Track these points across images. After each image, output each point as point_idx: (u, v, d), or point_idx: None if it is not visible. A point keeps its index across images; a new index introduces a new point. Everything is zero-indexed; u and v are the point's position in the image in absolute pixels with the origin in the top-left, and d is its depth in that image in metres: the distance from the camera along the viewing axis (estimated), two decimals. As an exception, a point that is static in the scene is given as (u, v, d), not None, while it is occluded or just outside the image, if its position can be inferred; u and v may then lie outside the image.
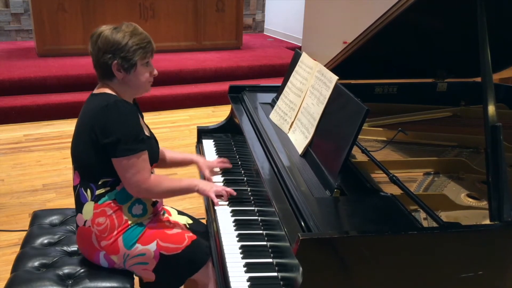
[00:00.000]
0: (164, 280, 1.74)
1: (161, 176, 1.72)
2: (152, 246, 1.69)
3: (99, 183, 1.66)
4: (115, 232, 1.67)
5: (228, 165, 2.02)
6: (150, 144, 1.73)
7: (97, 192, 1.66)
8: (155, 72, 1.73)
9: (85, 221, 1.68)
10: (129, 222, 1.69)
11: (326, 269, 1.19)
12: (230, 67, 5.78)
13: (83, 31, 5.61)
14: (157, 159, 1.81)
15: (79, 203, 1.70)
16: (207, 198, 1.90)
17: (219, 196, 1.79)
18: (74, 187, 1.73)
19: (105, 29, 1.65)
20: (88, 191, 1.67)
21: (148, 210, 1.75)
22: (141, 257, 1.69)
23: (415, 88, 2.41)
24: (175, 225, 1.82)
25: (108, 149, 1.60)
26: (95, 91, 1.72)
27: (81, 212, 1.69)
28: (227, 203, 1.79)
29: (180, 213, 1.97)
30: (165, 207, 1.93)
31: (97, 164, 1.64)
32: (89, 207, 1.67)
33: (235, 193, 1.80)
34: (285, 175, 1.56)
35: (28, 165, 3.73)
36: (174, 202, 1.96)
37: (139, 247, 1.68)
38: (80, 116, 1.70)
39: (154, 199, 1.77)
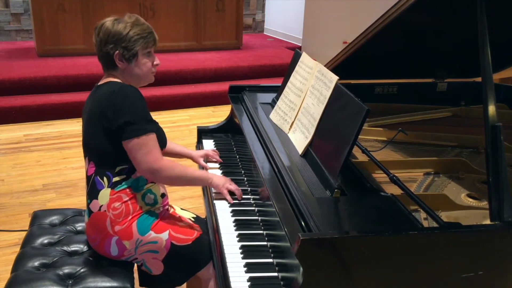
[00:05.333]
0: (171, 273, 1.76)
1: (175, 162, 1.73)
2: (165, 235, 1.72)
3: (116, 170, 1.69)
4: (130, 217, 1.70)
5: (218, 159, 2.13)
6: (157, 127, 1.77)
7: (114, 179, 1.70)
8: (157, 61, 1.77)
9: (101, 206, 1.70)
10: (143, 210, 1.74)
11: (327, 269, 1.19)
12: (230, 67, 5.78)
13: (83, 31, 5.61)
14: (165, 142, 1.85)
15: (95, 190, 1.71)
16: (207, 197, 1.91)
17: (231, 194, 1.81)
18: (88, 177, 1.75)
19: (107, 20, 1.71)
20: (105, 178, 1.70)
21: (158, 200, 1.78)
22: (153, 245, 1.72)
23: (415, 88, 2.41)
24: (183, 218, 1.85)
25: (119, 132, 1.63)
26: (100, 82, 1.75)
27: (96, 198, 1.71)
28: (228, 203, 1.79)
29: (182, 209, 1.97)
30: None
31: (112, 150, 1.67)
32: (105, 193, 1.70)
33: (240, 198, 1.82)
34: (285, 175, 1.56)
35: (28, 165, 3.73)
36: (174, 202, 1.96)
37: (152, 234, 1.71)
38: (88, 106, 1.73)
39: (162, 191, 1.79)
